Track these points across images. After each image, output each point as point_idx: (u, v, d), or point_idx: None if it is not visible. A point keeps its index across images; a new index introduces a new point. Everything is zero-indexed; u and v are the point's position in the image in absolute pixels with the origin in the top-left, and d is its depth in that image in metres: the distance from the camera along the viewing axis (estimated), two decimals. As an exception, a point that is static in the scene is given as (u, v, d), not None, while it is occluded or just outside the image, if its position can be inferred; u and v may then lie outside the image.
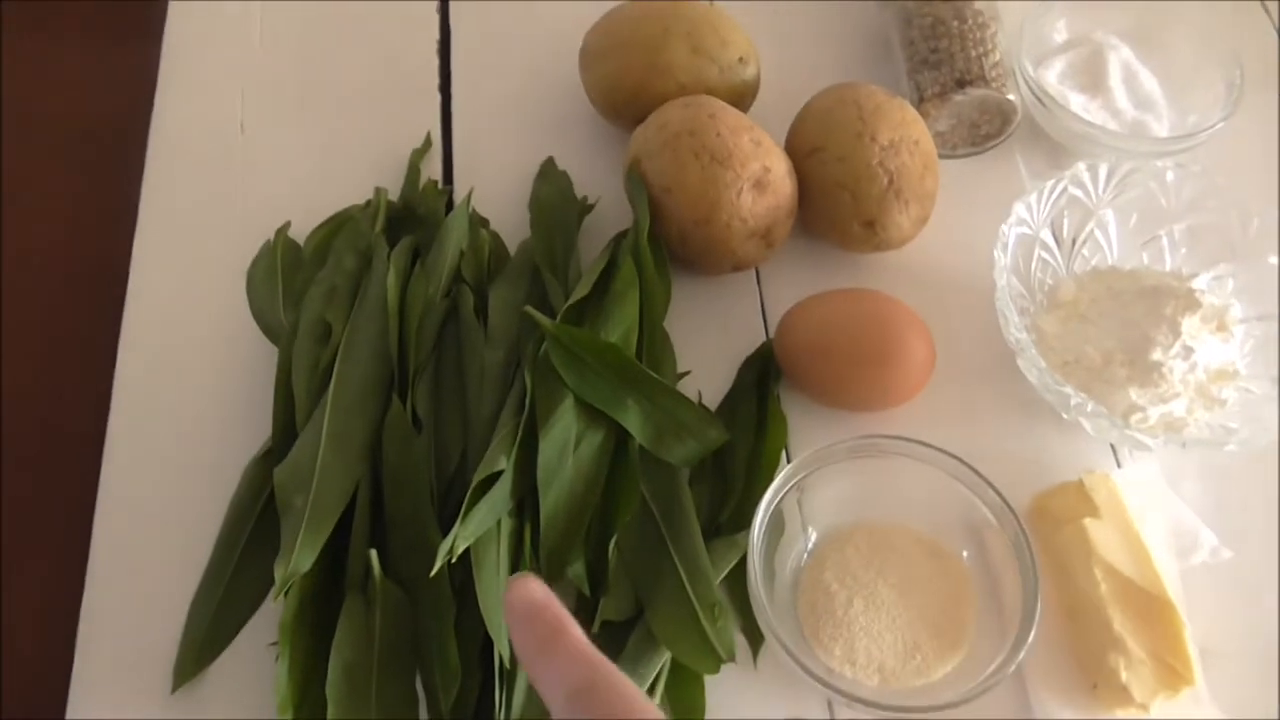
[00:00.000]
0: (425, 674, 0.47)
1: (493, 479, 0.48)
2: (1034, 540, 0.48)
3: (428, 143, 0.66)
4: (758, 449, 0.54)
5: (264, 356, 0.56)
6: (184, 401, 0.56)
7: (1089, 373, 0.55)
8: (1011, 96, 0.63)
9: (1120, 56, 0.67)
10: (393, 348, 0.54)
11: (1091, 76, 0.66)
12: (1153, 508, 0.53)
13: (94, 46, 0.72)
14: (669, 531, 0.50)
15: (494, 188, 0.63)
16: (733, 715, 0.48)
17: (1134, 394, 0.54)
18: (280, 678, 0.45)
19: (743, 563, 0.49)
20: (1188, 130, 0.64)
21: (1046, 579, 0.49)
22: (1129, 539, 0.50)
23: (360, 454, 0.51)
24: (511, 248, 0.61)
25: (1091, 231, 0.60)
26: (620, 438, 0.52)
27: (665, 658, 0.48)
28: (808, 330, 0.55)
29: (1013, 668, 0.45)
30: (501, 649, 0.45)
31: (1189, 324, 0.54)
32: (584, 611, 0.49)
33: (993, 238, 0.56)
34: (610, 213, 0.62)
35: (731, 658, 0.47)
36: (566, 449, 0.50)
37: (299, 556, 0.47)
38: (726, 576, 0.50)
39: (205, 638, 0.49)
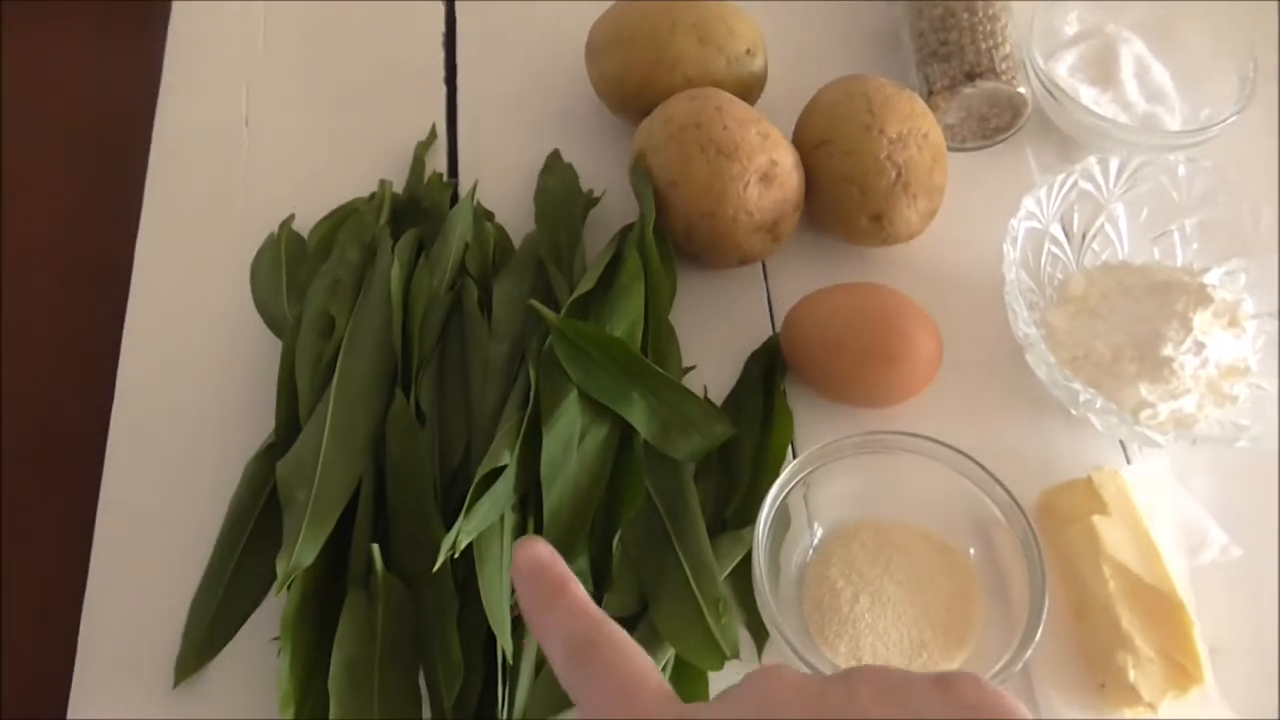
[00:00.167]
0: (428, 669, 0.47)
1: (496, 474, 0.48)
2: (1042, 537, 0.48)
3: (433, 135, 0.65)
4: (763, 444, 0.53)
5: (267, 350, 0.56)
6: (187, 394, 0.56)
7: (1098, 368, 0.55)
8: (1022, 89, 0.63)
9: (1132, 49, 0.66)
10: (396, 341, 0.54)
11: (1103, 69, 0.66)
12: (1162, 505, 0.52)
13: (96, 43, 0.72)
14: (673, 527, 0.50)
15: (499, 181, 0.63)
16: (737, 712, 0.48)
17: (1144, 390, 0.53)
18: (282, 673, 0.45)
19: (748, 558, 0.49)
20: (1200, 124, 0.63)
21: (1054, 576, 0.49)
22: (1138, 536, 0.50)
23: (363, 448, 0.50)
24: (516, 241, 0.61)
25: (1102, 226, 0.59)
26: (625, 432, 0.52)
27: (669, 654, 0.47)
28: (814, 325, 0.55)
29: (1019, 666, 0.45)
30: (505, 644, 0.45)
31: (1200, 319, 0.53)
32: (588, 607, 0.49)
33: (1002, 232, 0.55)
34: (616, 206, 0.62)
35: (735, 654, 0.47)
36: (571, 444, 0.50)
37: (301, 551, 0.46)
38: (731, 572, 0.50)
39: (207, 633, 0.49)
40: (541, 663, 0.47)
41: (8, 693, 0.50)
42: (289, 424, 0.52)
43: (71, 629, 0.50)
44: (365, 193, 0.62)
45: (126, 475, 0.54)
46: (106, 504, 0.53)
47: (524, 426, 0.50)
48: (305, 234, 0.61)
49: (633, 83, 0.61)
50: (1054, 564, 0.50)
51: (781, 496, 0.49)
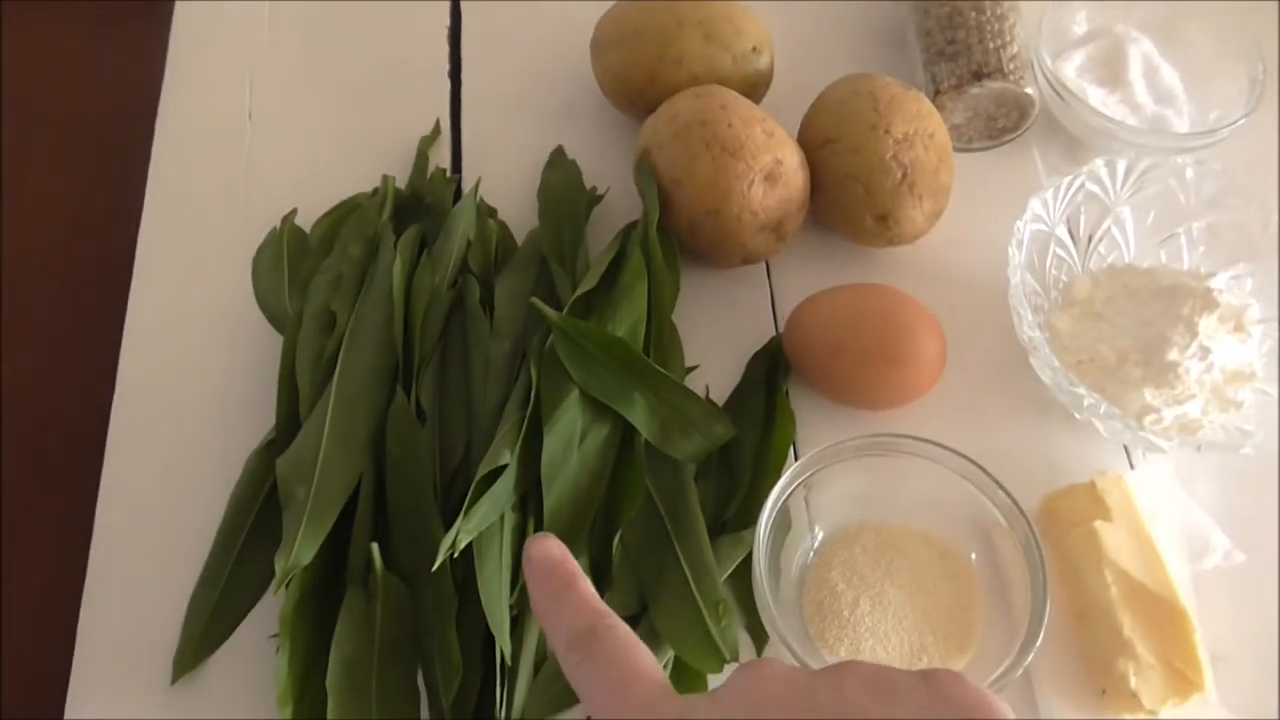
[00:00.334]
0: (426, 669, 0.47)
1: (496, 473, 0.48)
2: (1044, 542, 0.47)
3: (436, 130, 0.65)
4: (765, 445, 0.53)
5: (268, 345, 0.56)
6: (187, 390, 0.56)
7: (1103, 372, 0.54)
8: (1029, 90, 0.62)
9: (1141, 50, 0.66)
10: (398, 338, 0.53)
11: (1111, 70, 0.65)
12: (1165, 510, 0.52)
13: (97, 42, 0.72)
14: (674, 528, 0.50)
15: (502, 177, 0.63)
16: (736, 714, 0.48)
17: (1149, 395, 0.53)
18: (280, 671, 0.45)
19: (748, 560, 0.48)
20: (1209, 126, 0.63)
21: (1056, 581, 0.49)
22: (1140, 542, 0.50)
23: (363, 446, 0.50)
24: (519, 238, 0.60)
25: (1108, 228, 0.59)
26: (626, 432, 0.51)
27: (668, 655, 0.47)
28: (818, 325, 0.55)
29: (1020, 671, 0.45)
30: (503, 644, 0.45)
31: (1206, 324, 0.53)
32: (587, 607, 0.49)
33: (1007, 233, 0.55)
34: (620, 203, 0.61)
35: (735, 657, 0.47)
36: (571, 443, 0.50)
37: (300, 549, 0.46)
38: (731, 574, 0.50)
39: (205, 629, 0.48)
40: (540, 663, 0.47)
41: (7, 692, 0.50)
42: (289, 420, 0.52)
43: (72, 629, 0.49)
44: (368, 188, 0.62)
45: (126, 471, 0.54)
46: (106, 500, 0.53)
47: (525, 425, 0.50)
48: (307, 229, 0.61)
49: (637, 79, 0.61)
50: (1056, 569, 0.50)
51: (783, 498, 0.48)
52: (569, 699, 0.45)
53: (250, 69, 0.68)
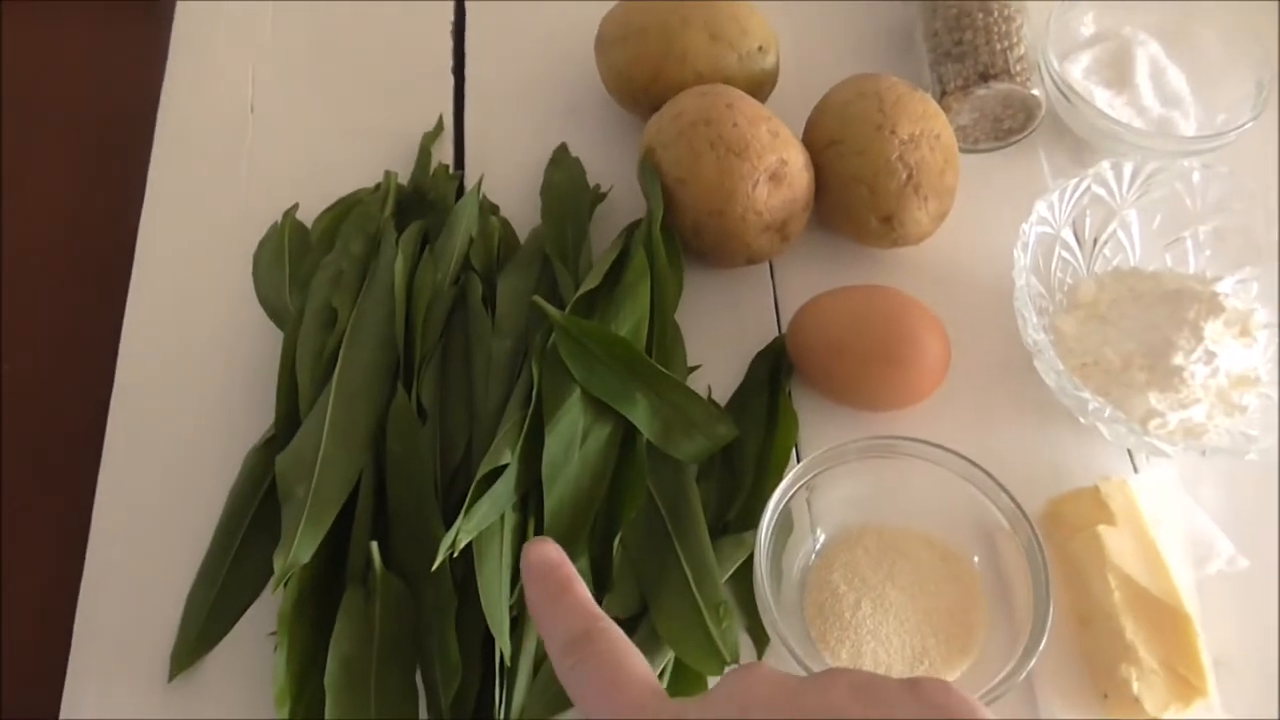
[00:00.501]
0: (425, 668, 0.46)
1: (497, 472, 0.48)
2: (1047, 546, 0.47)
3: (439, 126, 0.65)
4: (767, 446, 0.53)
5: (269, 341, 0.56)
6: (187, 386, 0.56)
7: (1108, 375, 0.54)
8: (1036, 91, 0.62)
9: (1148, 52, 0.65)
10: (399, 335, 0.53)
11: (1118, 72, 0.65)
12: (1169, 515, 0.52)
13: (97, 41, 0.72)
14: (675, 529, 0.49)
15: (505, 174, 0.62)
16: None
17: (1153, 399, 0.53)
18: (278, 669, 0.45)
19: (749, 562, 0.48)
20: (1215, 129, 0.63)
21: (1059, 586, 0.48)
22: (1144, 547, 0.49)
23: (364, 443, 0.50)
24: (522, 235, 0.60)
25: (1114, 231, 0.59)
26: (627, 432, 0.51)
27: (669, 657, 0.47)
28: (821, 326, 0.54)
29: (1023, 675, 0.44)
30: (503, 645, 0.45)
31: (1211, 328, 0.53)
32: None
33: (1013, 235, 0.55)
34: (623, 202, 0.61)
35: (735, 659, 0.46)
36: (573, 443, 0.49)
37: (299, 547, 0.46)
38: (733, 575, 0.49)
39: (203, 627, 0.48)
40: (539, 663, 0.46)
41: (7, 692, 0.50)
42: (289, 417, 0.52)
43: (71, 628, 0.49)
44: (370, 184, 0.62)
45: (125, 467, 0.53)
46: (104, 496, 0.53)
47: (526, 425, 0.49)
48: (309, 224, 0.60)
49: (642, 77, 0.60)
50: (1059, 573, 0.49)
51: (785, 500, 0.48)
52: (567, 700, 0.45)
53: (252, 62, 0.68)
